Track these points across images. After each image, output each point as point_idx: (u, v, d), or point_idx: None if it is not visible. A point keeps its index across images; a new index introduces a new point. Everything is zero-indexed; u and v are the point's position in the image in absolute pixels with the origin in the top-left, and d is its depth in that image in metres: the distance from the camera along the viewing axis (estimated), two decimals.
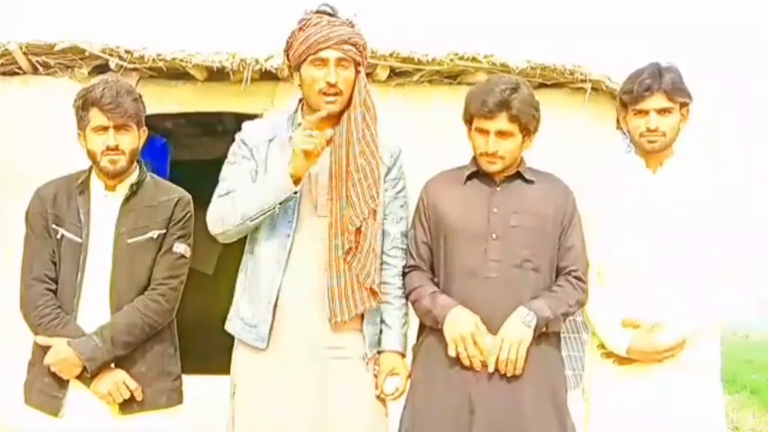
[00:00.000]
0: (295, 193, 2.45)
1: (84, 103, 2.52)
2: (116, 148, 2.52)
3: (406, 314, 2.64)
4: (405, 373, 2.59)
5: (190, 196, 2.71)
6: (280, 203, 2.45)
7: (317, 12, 2.51)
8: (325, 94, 2.48)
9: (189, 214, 2.67)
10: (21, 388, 2.59)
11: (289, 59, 2.57)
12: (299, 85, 2.55)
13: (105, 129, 2.51)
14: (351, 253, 2.47)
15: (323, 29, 2.46)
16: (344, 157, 2.50)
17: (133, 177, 2.62)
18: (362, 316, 2.54)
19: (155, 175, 2.73)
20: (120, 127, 2.52)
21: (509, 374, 2.45)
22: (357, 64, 2.52)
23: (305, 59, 2.48)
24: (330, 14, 2.51)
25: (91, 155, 2.56)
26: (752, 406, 7.83)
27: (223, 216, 2.50)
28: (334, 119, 2.53)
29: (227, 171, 2.60)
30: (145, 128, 2.64)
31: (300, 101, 2.63)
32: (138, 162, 2.65)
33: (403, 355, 2.61)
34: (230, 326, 2.60)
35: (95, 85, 2.54)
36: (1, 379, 3.68)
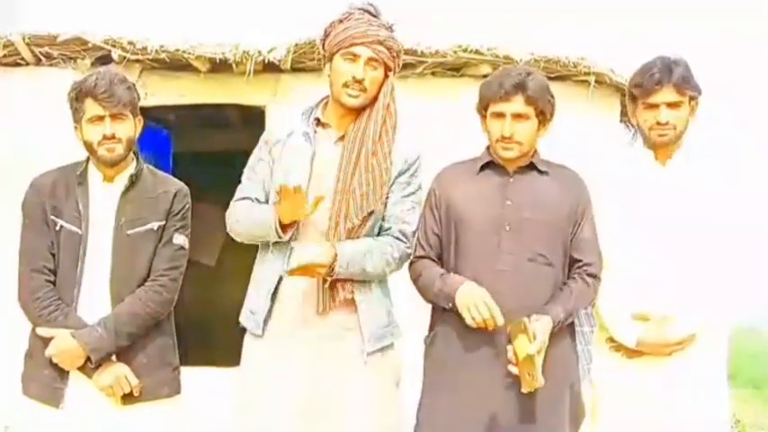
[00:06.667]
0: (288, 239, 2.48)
1: (79, 95, 2.52)
2: (113, 137, 2.51)
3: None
4: None
5: (187, 188, 2.72)
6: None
7: (360, 8, 2.53)
8: (348, 87, 2.49)
9: (187, 206, 2.68)
10: (17, 380, 2.59)
11: (324, 48, 2.58)
12: (329, 75, 2.56)
13: (101, 118, 2.51)
14: None
15: (361, 25, 2.49)
16: (356, 155, 2.50)
17: (131, 168, 2.62)
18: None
19: (151, 166, 2.72)
20: (116, 116, 2.51)
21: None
22: (388, 68, 2.53)
23: (338, 51, 2.50)
24: (372, 14, 2.53)
25: (87, 146, 2.56)
26: (755, 400, 7.83)
27: (231, 225, 2.63)
28: (354, 114, 2.54)
29: (245, 173, 2.67)
30: (141, 117, 2.63)
31: (325, 98, 2.63)
32: (134, 153, 2.65)
33: None
34: (241, 316, 2.65)
35: (88, 76, 2.54)
36: None
